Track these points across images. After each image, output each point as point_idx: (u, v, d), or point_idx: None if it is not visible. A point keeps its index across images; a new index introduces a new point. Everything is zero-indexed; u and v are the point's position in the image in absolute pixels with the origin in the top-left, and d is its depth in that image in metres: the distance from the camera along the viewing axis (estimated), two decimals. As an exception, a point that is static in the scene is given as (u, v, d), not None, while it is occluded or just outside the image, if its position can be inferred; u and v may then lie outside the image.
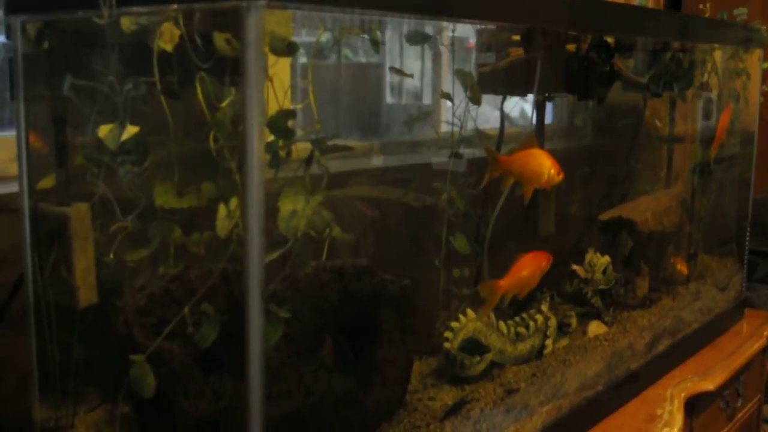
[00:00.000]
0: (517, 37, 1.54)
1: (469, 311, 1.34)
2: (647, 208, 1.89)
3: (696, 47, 1.87)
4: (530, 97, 1.65)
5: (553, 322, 1.46)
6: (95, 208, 1.02)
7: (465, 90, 1.37)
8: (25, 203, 1.04)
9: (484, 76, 1.54)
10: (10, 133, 1.08)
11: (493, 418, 1.24)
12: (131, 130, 0.97)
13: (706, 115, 2.04)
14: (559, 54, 1.58)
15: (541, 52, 1.53)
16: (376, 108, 1.57)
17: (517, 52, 1.55)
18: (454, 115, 1.39)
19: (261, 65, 0.79)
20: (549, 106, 1.76)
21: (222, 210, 0.94)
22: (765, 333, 2.04)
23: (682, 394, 1.61)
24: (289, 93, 1.02)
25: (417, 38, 1.34)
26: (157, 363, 0.97)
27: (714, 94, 2.02)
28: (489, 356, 1.34)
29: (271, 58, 0.90)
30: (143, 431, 1.06)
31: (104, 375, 1.09)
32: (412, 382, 1.25)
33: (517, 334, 1.40)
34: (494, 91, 1.54)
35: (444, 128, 1.42)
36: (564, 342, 1.51)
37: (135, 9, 0.90)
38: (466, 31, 1.48)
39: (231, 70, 0.89)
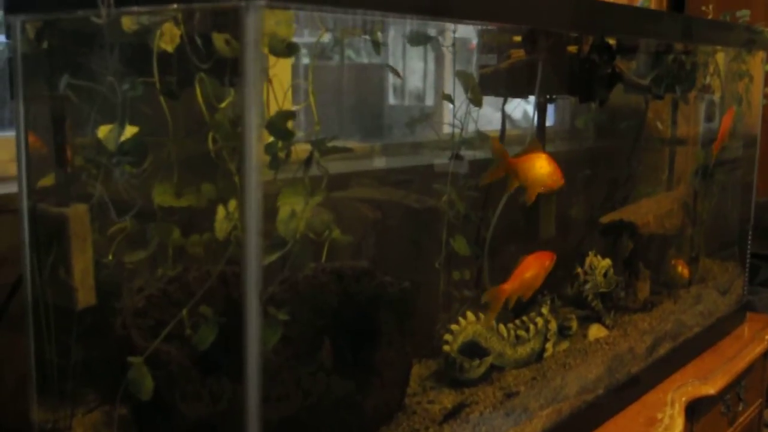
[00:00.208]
0: (518, 39, 1.54)
1: (469, 314, 1.33)
2: (649, 210, 1.89)
3: (698, 49, 1.87)
4: (532, 99, 1.65)
5: (553, 325, 1.45)
6: (94, 209, 1.01)
7: (466, 91, 1.37)
8: (24, 204, 1.04)
9: (485, 78, 1.53)
10: (10, 134, 1.08)
11: (493, 421, 1.23)
12: (130, 130, 0.97)
13: (709, 118, 2.04)
14: (560, 56, 1.58)
15: (542, 54, 1.52)
16: (376, 109, 1.57)
17: (519, 54, 1.54)
18: (455, 116, 1.39)
19: (260, 66, 0.79)
20: (550, 108, 1.75)
21: (221, 211, 0.94)
22: (767, 337, 2.04)
23: (683, 398, 1.61)
24: (289, 94, 1.01)
25: (419, 39, 1.34)
26: (155, 365, 0.97)
27: (716, 97, 2.02)
28: (489, 359, 1.34)
29: (272, 59, 0.90)
30: (141, 433, 1.05)
31: (102, 377, 1.08)
32: (411, 385, 1.25)
33: (518, 337, 1.39)
34: (495, 93, 1.54)
35: (445, 130, 1.41)
36: (564, 345, 1.50)
37: (133, 9, 0.90)
38: (468, 32, 1.48)
39: (230, 70, 0.89)
